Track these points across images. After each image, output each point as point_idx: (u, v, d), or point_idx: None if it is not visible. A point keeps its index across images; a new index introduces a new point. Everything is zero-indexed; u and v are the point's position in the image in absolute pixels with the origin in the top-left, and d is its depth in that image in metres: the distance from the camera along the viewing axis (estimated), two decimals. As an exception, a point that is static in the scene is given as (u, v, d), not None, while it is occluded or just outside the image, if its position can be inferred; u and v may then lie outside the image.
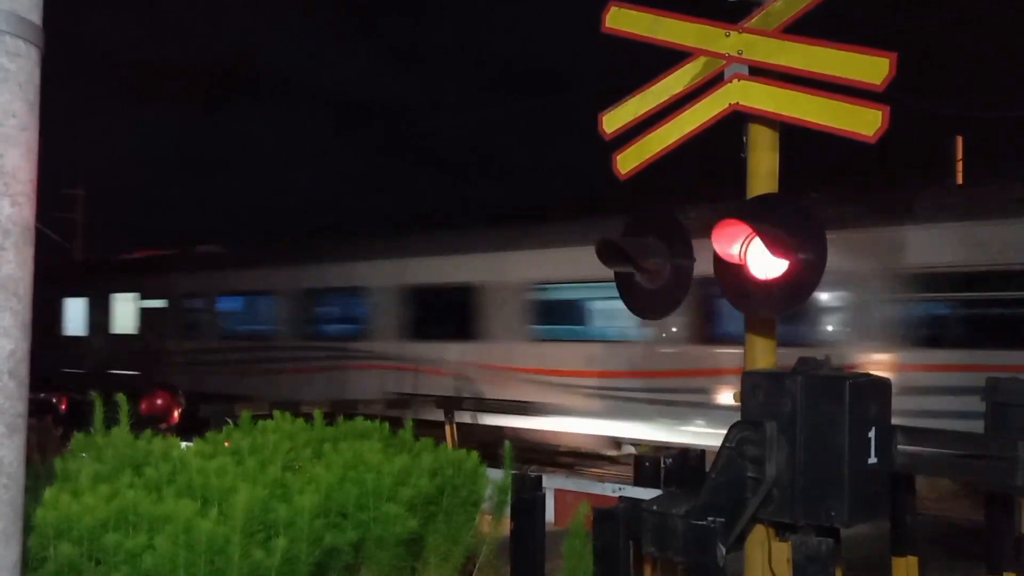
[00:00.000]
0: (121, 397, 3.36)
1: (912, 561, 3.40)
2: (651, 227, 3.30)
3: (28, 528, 2.23)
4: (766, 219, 2.88)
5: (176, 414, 9.12)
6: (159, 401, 8.71)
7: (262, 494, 2.68)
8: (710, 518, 2.66)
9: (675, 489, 3.19)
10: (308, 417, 3.85)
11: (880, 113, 2.81)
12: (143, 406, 8.51)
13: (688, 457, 5.09)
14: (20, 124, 1.94)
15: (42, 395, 12.10)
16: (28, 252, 1.96)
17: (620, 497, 3.13)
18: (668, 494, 2.99)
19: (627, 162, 3.61)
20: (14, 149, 1.92)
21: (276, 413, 3.86)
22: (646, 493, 3.23)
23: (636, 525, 2.75)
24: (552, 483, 3.71)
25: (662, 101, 3.50)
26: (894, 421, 2.64)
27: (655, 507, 2.75)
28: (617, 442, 9.30)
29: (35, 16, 2.00)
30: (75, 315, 16.62)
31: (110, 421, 3.35)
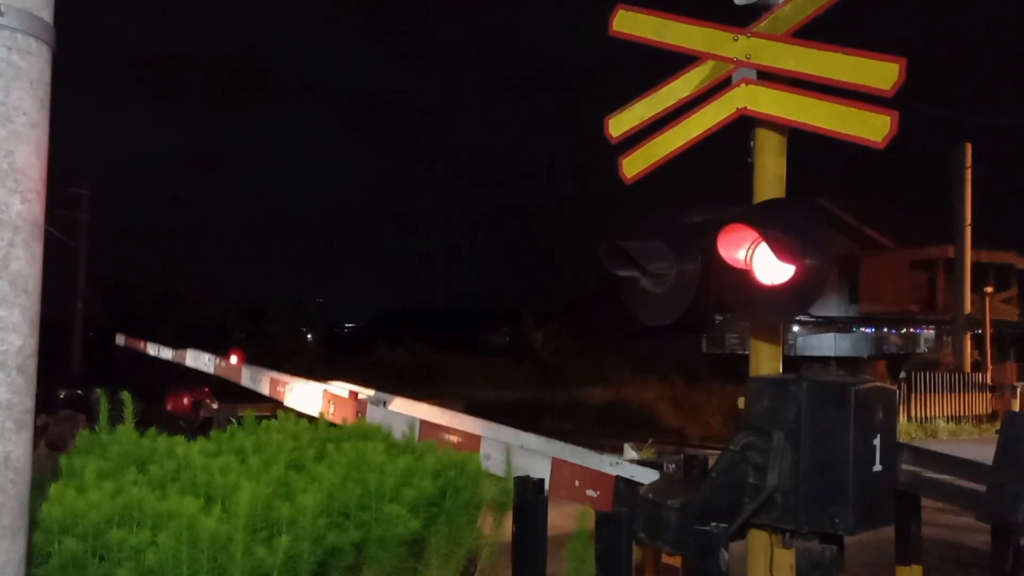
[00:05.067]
0: (126, 395, 3.37)
1: (917, 570, 3.38)
2: (658, 231, 3.30)
3: (33, 523, 2.24)
4: (773, 223, 2.88)
5: (201, 414, 8.94)
6: (185, 400, 8.68)
7: (265, 492, 2.69)
8: (713, 523, 2.66)
9: (675, 473, 3.11)
10: (311, 418, 3.86)
11: (889, 118, 2.81)
12: (169, 404, 8.49)
13: (692, 463, 5.07)
14: (30, 121, 1.95)
15: (79, 391, 12.08)
16: (37, 249, 1.97)
17: (616, 477, 3.07)
18: (667, 479, 2.95)
19: (633, 166, 3.61)
20: (24, 146, 1.93)
21: (280, 413, 3.88)
22: (645, 473, 3.15)
23: (631, 505, 2.75)
24: (551, 449, 3.61)
25: (669, 105, 3.50)
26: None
27: (651, 495, 2.74)
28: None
29: (46, 14, 2.01)
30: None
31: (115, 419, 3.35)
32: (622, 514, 2.94)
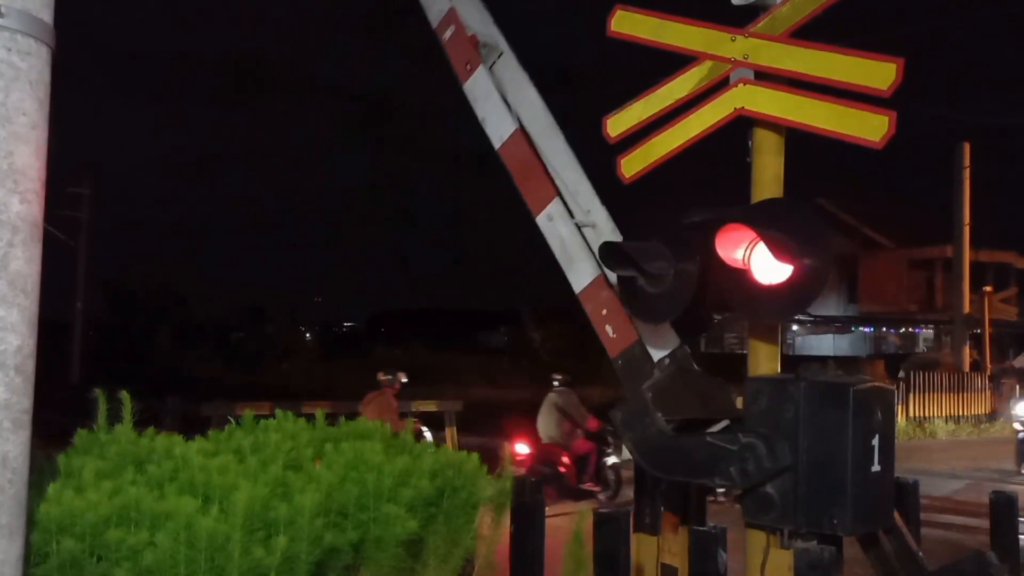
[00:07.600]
0: (124, 395, 3.36)
1: (914, 570, 3.39)
2: (656, 231, 3.30)
3: (31, 523, 2.24)
4: (771, 223, 2.88)
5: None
6: None
7: (263, 492, 2.69)
8: (712, 525, 2.66)
9: (684, 373, 2.96)
10: (310, 417, 3.85)
11: (887, 119, 2.81)
12: None
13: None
14: (30, 122, 1.95)
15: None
16: (36, 249, 1.97)
17: (638, 339, 2.98)
18: (675, 373, 2.89)
19: (631, 166, 3.61)
20: (24, 147, 1.93)
21: (279, 412, 3.87)
22: (665, 340, 2.96)
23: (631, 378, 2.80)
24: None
25: (667, 105, 3.50)
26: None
27: (650, 394, 2.77)
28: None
29: (46, 15, 2.01)
30: None
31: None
32: (621, 514, 2.94)
